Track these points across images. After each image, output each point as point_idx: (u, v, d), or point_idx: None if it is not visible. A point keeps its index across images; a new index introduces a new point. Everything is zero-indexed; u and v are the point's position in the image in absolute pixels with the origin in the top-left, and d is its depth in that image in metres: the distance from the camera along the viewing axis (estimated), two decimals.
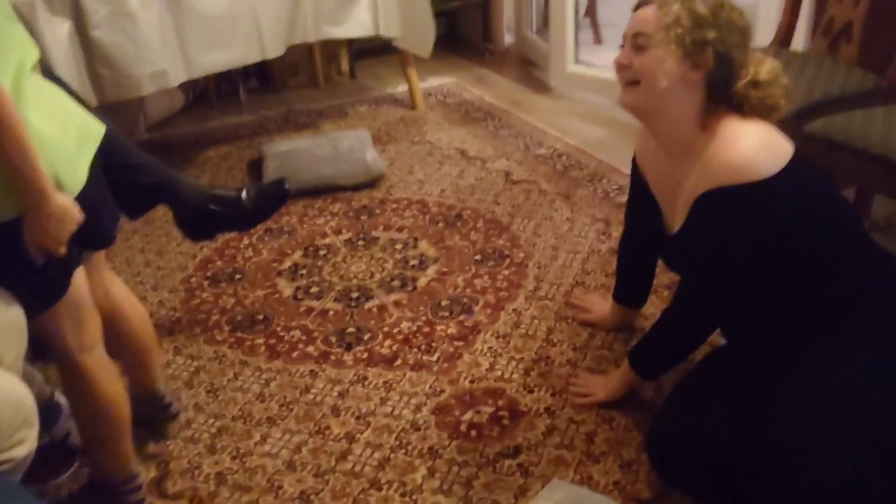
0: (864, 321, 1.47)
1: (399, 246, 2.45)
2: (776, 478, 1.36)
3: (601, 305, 2.05)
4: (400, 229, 2.54)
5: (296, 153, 2.88)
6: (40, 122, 1.29)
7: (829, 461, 1.30)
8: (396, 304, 2.17)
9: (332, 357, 1.99)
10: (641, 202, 1.74)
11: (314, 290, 2.26)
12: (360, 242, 2.49)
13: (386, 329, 2.07)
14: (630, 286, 1.97)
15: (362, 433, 1.75)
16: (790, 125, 1.95)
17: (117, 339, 1.63)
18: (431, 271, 2.31)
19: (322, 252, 2.45)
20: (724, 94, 1.49)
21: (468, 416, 1.78)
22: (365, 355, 1.99)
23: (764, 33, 2.69)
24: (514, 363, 1.93)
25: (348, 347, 2.02)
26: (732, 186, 1.43)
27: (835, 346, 1.46)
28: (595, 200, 2.64)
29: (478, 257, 2.36)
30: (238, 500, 1.62)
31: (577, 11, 3.51)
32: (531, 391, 1.84)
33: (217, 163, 3.11)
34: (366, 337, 2.05)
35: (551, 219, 2.55)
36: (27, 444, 1.27)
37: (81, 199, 1.35)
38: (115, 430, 1.54)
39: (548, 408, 1.79)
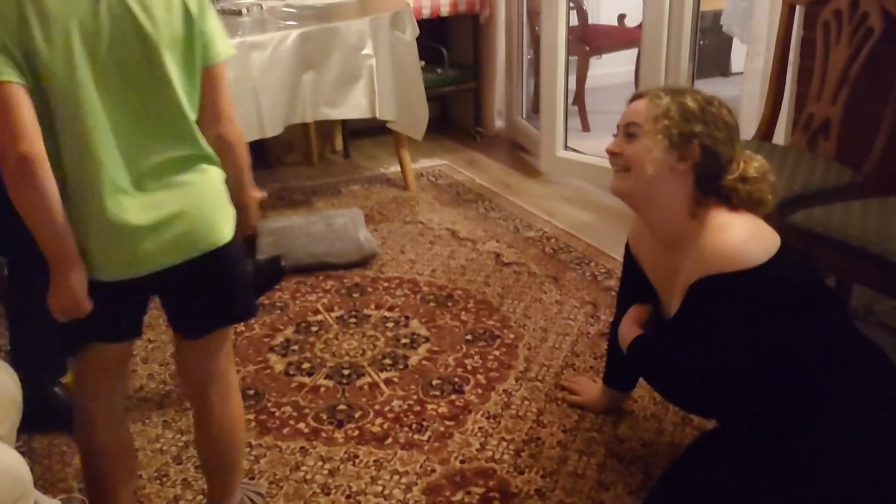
0: (850, 409, 1.51)
1: (391, 324, 2.48)
2: None
3: (591, 388, 2.08)
4: (391, 308, 2.58)
5: (290, 230, 2.93)
6: (125, 207, 1.33)
7: None
8: (388, 382, 2.19)
9: (323, 434, 2.00)
10: (634, 287, 1.79)
11: (306, 366, 2.28)
12: (352, 320, 2.51)
13: (377, 407, 2.09)
14: (620, 369, 2.00)
15: None
16: (773, 216, 2.02)
17: (198, 431, 1.65)
18: (423, 350, 2.34)
19: (314, 329, 2.47)
20: (712, 186, 1.56)
21: (459, 496, 1.79)
22: (356, 433, 2.00)
23: (746, 128, 2.79)
24: (504, 444, 1.94)
25: (339, 425, 2.03)
26: (723, 275, 1.48)
27: (820, 436, 1.49)
28: (583, 283, 2.69)
29: (468, 337, 2.39)
30: None
31: (566, 99, 3.63)
32: (521, 472, 1.85)
33: None
34: (357, 414, 2.06)
35: (541, 301, 2.59)
36: None
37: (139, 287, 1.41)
38: (102, 480, 1.55)
39: (538, 489, 1.80)
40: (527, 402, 2.09)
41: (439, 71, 4.10)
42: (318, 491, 1.81)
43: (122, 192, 1.33)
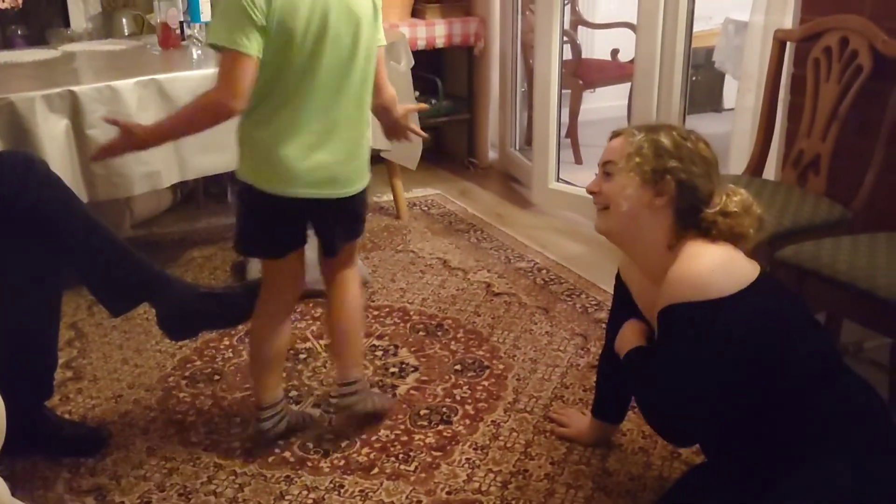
0: (836, 446, 1.50)
1: (379, 353, 2.47)
2: None
3: (580, 420, 2.07)
4: (381, 336, 2.57)
5: None
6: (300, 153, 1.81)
7: None
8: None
9: (309, 463, 1.98)
10: (624, 315, 1.78)
11: (293, 394, 2.26)
12: None
13: (364, 436, 2.07)
14: (609, 401, 1.99)
15: None
16: (763, 251, 2.03)
17: (329, 319, 2.09)
18: (411, 379, 2.32)
19: (302, 356, 2.46)
20: (692, 220, 1.57)
21: None
22: (342, 462, 1.98)
23: (737, 163, 2.82)
24: (491, 475, 1.93)
25: (325, 454, 2.01)
26: (685, 304, 1.49)
27: (809, 474, 1.48)
28: (574, 315, 2.69)
29: (458, 367, 2.38)
30: None
31: (559, 132, 3.65)
32: None
33: (201, 263, 3.14)
34: (343, 443, 2.04)
35: (531, 332, 2.58)
36: None
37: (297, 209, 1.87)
38: (257, 362, 2.00)
39: None
40: (515, 434, 2.08)
41: (434, 102, 4.12)
42: None
43: (303, 141, 1.79)
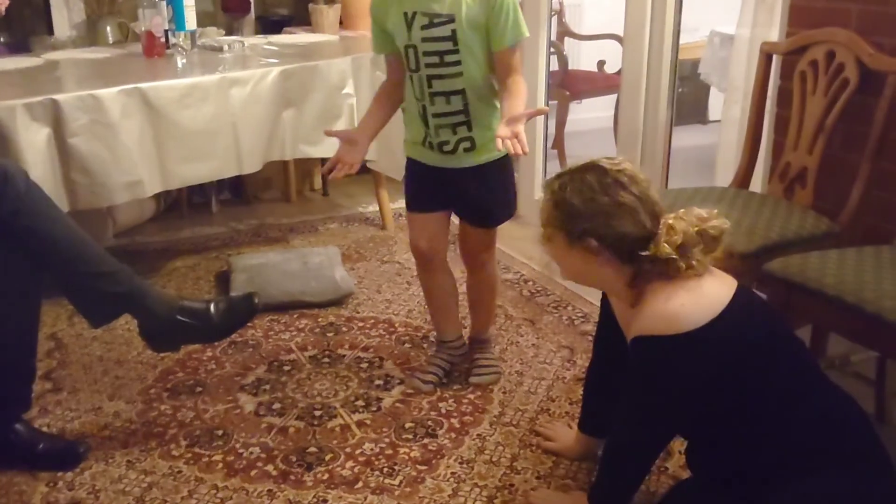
0: (823, 461, 1.49)
1: (364, 365, 2.44)
2: None
3: (566, 434, 2.05)
4: (366, 348, 2.54)
5: (265, 267, 2.89)
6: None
7: None
8: (360, 424, 2.15)
9: (292, 477, 1.95)
10: (610, 332, 1.77)
11: (276, 406, 2.23)
12: (326, 360, 2.47)
13: (348, 450, 2.04)
14: (596, 416, 1.97)
15: None
16: (750, 264, 2.03)
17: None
18: (396, 392, 2.30)
19: (286, 368, 2.43)
20: (640, 264, 1.54)
21: None
22: (326, 476, 1.95)
23: (724, 175, 2.82)
24: (477, 490, 1.90)
25: (309, 468, 1.98)
26: (657, 336, 1.49)
27: (795, 489, 1.47)
28: (560, 327, 2.68)
29: (443, 380, 2.36)
30: None
31: (545, 143, 3.65)
32: None
33: (184, 273, 3.11)
34: (327, 457, 2.02)
35: (517, 344, 2.57)
36: None
37: None
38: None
39: None
40: (501, 448, 2.06)
41: None
42: None
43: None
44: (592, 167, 1.57)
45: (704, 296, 1.52)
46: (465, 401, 2.25)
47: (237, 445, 2.06)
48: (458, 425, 2.14)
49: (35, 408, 2.16)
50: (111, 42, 3.69)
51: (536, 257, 3.27)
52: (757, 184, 2.63)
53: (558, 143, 4.34)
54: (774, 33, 2.62)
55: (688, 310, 1.50)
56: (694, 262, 1.52)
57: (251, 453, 2.03)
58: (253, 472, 1.96)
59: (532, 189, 3.64)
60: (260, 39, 3.62)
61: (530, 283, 3.02)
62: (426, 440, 2.08)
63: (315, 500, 1.87)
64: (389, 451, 2.04)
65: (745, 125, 2.62)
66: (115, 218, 3.38)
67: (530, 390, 2.31)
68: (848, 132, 2.33)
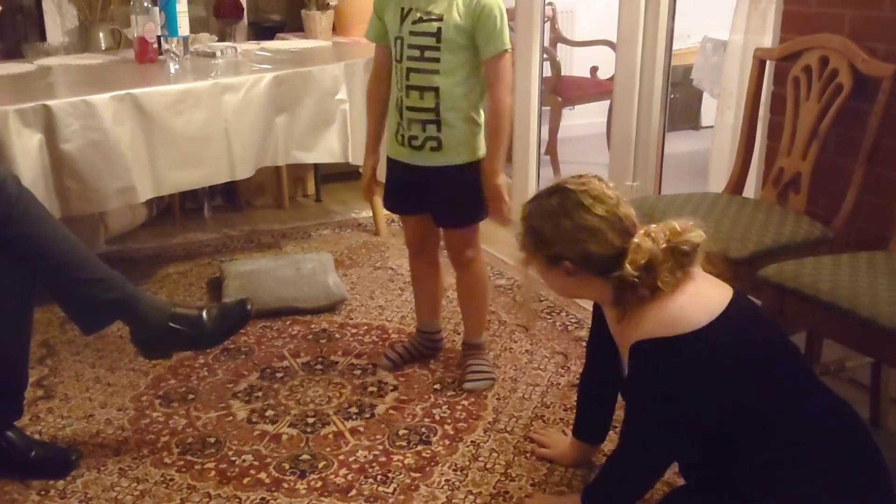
0: (819, 466, 1.49)
1: (358, 371, 2.43)
2: None
3: (560, 441, 2.04)
4: (359, 355, 2.53)
5: (257, 273, 2.88)
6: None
7: None
8: (353, 431, 2.14)
9: (285, 485, 1.94)
10: (603, 339, 1.77)
11: (269, 413, 2.22)
12: (318, 367, 2.46)
13: (342, 457, 2.03)
14: (590, 422, 1.97)
15: None
16: (744, 270, 2.02)
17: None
18: (390, 399, 2.29)
19: (279, 375, 2.42)
20: (619, 281, 1.54)
21: None
22: (319, 484, 1.94)
23: (717, 181, 2.82)
24: (471, 497, 1.89)
25: (302, 475, 1.97)
26: (658, 339, 1.49)
27: (790, 495, 1.47)
28: (554, 333, 2.67)
29: (437, 386, 2.35)
30: None
31: (538, 149, 3.65)
32: None
33: (176, 279, 3.10)
34: (320, 464, 2.00)
35: (511, 350, 2.56)
36: None
37: None
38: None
39: None
40: (495, 455, 2.05)
41: None
42: None
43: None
44: (557, 190, 1.59)
45: (702, 297, 1.53)
46: (459, 407, 2.25)
47: (230, 453, 2.05)
48: (451, 432, 2.13)
49: (27, 415, 2.14)
50: (104, 48, 3.69)
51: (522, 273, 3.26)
52: (750, 189, 2.63)
53: (551, 149, 4.34)
54: (768, 39, 2.63)
55: (687, 311, 1.50)
56: (660, 283, 1.51)
57: (244, 461, 2.02)
58: (246, 480, 1.95)
59: (525, 195, 3.63)
60: (253, 45, 3.61)
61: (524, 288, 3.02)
62: (420, 447, 2.07)
63: None
64: (383, 459, 2.03)
65: (738, 131, 2.62)
66: (107, 224, 3.37)
67: (524, 396, 2.31)
68: (841, 138, 2.33)
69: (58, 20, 3.76)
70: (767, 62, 2.52)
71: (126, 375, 2.42)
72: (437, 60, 2.09)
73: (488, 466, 2.01)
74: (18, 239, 1.81)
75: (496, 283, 3.06)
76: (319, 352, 2.55)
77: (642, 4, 3.01)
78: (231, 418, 2.20)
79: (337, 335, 2.66)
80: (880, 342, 1.74)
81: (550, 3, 4.61)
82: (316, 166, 3.95)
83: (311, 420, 2.18)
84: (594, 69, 4.70)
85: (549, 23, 4.63)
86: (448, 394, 2.31)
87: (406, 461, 2.02)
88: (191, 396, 2.30)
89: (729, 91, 2.86)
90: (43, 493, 1.91)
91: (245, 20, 4.10)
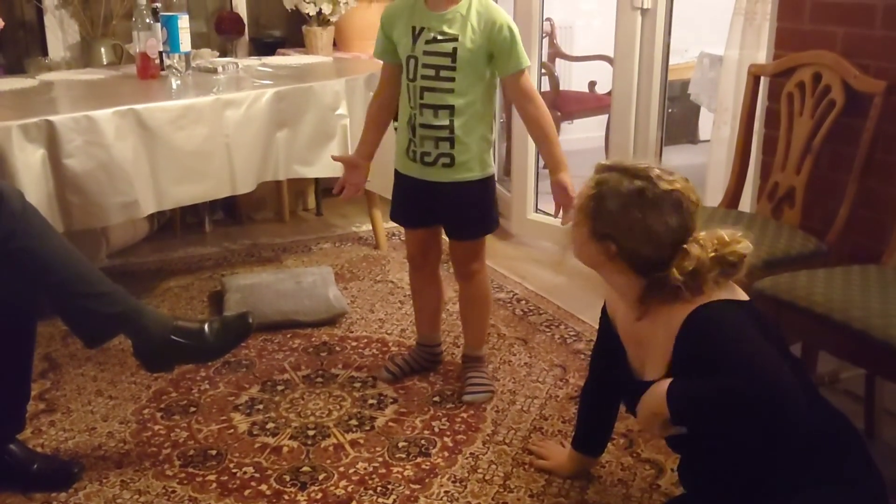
0: (816, 477, 1.50)
1: (358, 384, 2.45)
2: None
3: (559, 452, 2.06)
4: (359, 368, 2.55)
5: (258, 287, 2.90)
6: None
7: None
8: (353, 443, 2.15)
9: (286, 497, 1.95)
10: (609, 350, 1.78)
11: (270, 426, 2.24)
12: (319, 379, 2.48)
13: (342, 469, 2.05)
14: (590, 435, 1.99)
15: None
16: (740, 283, 2.04)
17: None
18: (390, 411, 2.31)
19: (280, 388, 2.43)
20: (655, 281, 1.54)
21: None
22: (319, 496, 1.95)
23: (713, 195, 2.85)
24: None
25: (302, 487, 1.98)
26: (711, 302, 1.50)
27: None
28: (553, 346, 2.69)
29: (436, 399, 2.37)
30: None
31: (537, 163, 3.67)
32: None
33: (178, 293, 3.12)
34: (321, 476, 2.02)
35: (510, 363, 2.58)
36: None
37: None
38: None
39: None
40: (494, 466, 2.07)
41: None
42: None
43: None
44: (644, 177, 1.53)
45: (736, 291, 1.57)
46: (459, 419, 2.26)
47: (231, 465, 2.07)
48: (451, 444, 2.15)
49: (29, 428, 2.16)
50: (105, 63, 3.72)
51: (529, 276, 3.29)
52: (746, 203, 2.66)
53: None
54: (762, 55, 2.66)
55: (732, 288, 1.54)
56: (704, 289, 1.50)
57: (245, 473, 2.04)
58: (247, 492, 1.97)
59: (524, 210, 3.66)
60: (254, 61, 3.64)
61: (522, 302, 3.04)
62: (419, 459, 2.09)
63: None
64: (383, 471, 2.04)
65: (734, 145, 2.65)
66: (108, 238, 3.39)
67: (523, 409, 2.32)
68: (835, 153, 2.37)
69: (60, 35, 3.79)
70: (762, 78, 2.56)
71: (128, 388, 2.44)
72: (452, 80, 2.12)
73: (487, 478, 2.02)
74: (21, 253, 1.83)
75: (496, 297, 3.08)
76: (320, 365, 2.57)
77: (639, 20, 3.05)
78: (232, 431, 2.22)
79: (337, 348, 2.68)
80: (873, 354, 1.77)
81: (549, 19, 4.65)
82: (317, 180, 3.97)
83: (311, 432, 2.20)
84: (592, 84, 4.74)
85: (547, 38, 4.67)
86: (447, 406, 2.33)
87: (406, 473, 2.03)
88: (192, 409, 2.32)
89: (725, 106, 2.89)
90: None
91: (246, 36, 4.13)
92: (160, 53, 3.16)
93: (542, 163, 4.00)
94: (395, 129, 2.35)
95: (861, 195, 2.27)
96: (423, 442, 2.16)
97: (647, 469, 2.04)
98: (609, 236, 1.55)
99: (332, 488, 1.98)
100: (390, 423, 2.25)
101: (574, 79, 5.08)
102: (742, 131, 2.58)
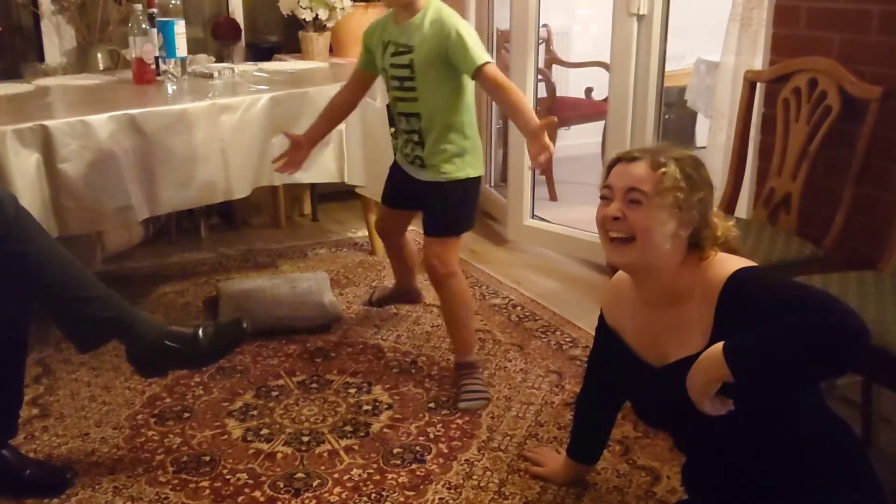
0: (818, 483, 1.50)
1: (353, 390, 2.44)
2: None
3: (554, 459, 2.05)
4: (354, 373, 2.54)
5: (253, 293, 2.89)
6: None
7: None
8: (348, 449, 2.14)
9: (280, 503, 1.94)
10: (606, 358, 1.78)
11: (264, 432, 2.23)
12: (314, 385, 2.47)
13: (336, 475, 2.04)
14: (586, 442, 1.98)
15: None
16: None
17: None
18: (384, 417, 2.30)
19: (274, 393, 2.42)
20: (697, 246, 1.58)
21: None
22: (313, 502, 1.94)
23: None
24: None
25: (296, 494, 1.97)
26: (746, 266, 1.51)
27: None
28: (549, 352, 2.68)
29: (431, 405, 2.36)
30: None
31: (533, 169, 3.67)
32: None
33: (173, 299, 3.11)
34: (315, 483, 2.01)
35: (505, 369, 2.57)
36: None
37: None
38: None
39: None
40: (489, 473, 2.06)
41: None
42: None
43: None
44: (684, 152, 1.61)
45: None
46: (454, 426, 2.25)
47: (224, 471, 2.06)
48: (446, 450, 2.14)
49: (22, 434, 2.15)
50: (101, 69, 3.71)
51: (524, 282, 3.28)
52: (742, 209, 2.66)
53: (546, 169, 4.36)
54: (758, 61, 2.66)
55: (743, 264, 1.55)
56: (735, 246, 1.60)
57: (238, 479, 2.03)
58: (240, 499, 1.96)
59: (521, 215, 3.66)
60: (250, 66, 3.64)
61: (518, 308, 3.03)
62: (414, 465, 2.08)
63: None
64: (377, 477, 2.03)
65: (730, 151, 2.65)
66: (103, 243, 3.38)
67: (518, 415, 2.32)
68: (831, 158, 2.36)
69: (56, 41, 3.79)
70: (758, 84, 2.56)
71: (122, 394, 2.43)
72: (413, 89, 2.28)
73: (482, 485, 2.01)
74: (15, 257, 1.82)
75: (491, 303, 3.07)
76: (315, 370, 2.56)
77: (635, 27, 3.05)
78: (226, 437, 2.21)
79: (332, 354, 2.67)
80: (870, 361, 1.76)
81: (545, 26, 4.64)
82: (312, 186, 3.97)
83: (305, 438, 2.19)
84: (589, 90, 4.74)
85: (544, 44, 4.67)
86: (442, 412, 2.32)
87: (400, 480, 2.02)
88: (186, 415, 2.31)
89: (721, 112, 2.89)
90: None
91: (243, 41, 4.13)
92: (156, 59, 3.15)
93: (538, 169, 4.01)
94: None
95: (857, 201, 2.27)
96: (417, 448, 2.15)
97: (642, 476, 2.03)
98: (700, 201, 1.56)
99: (326, 495, 1.97)
100: (385, 430, 2.24)
101: (571, 85, 5.08)
102: (738, 137, 2.58)
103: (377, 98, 3.33)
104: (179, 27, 3.14)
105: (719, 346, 1.42)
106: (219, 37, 4.03)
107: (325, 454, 2.12)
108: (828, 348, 1.34)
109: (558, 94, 4.67)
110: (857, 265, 2.17)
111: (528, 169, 3.57)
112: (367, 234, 3.60)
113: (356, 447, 2.15)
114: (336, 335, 2.80)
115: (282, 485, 2.01)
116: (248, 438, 2.19)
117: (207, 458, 2.11)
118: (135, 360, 1.99)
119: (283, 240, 3.78)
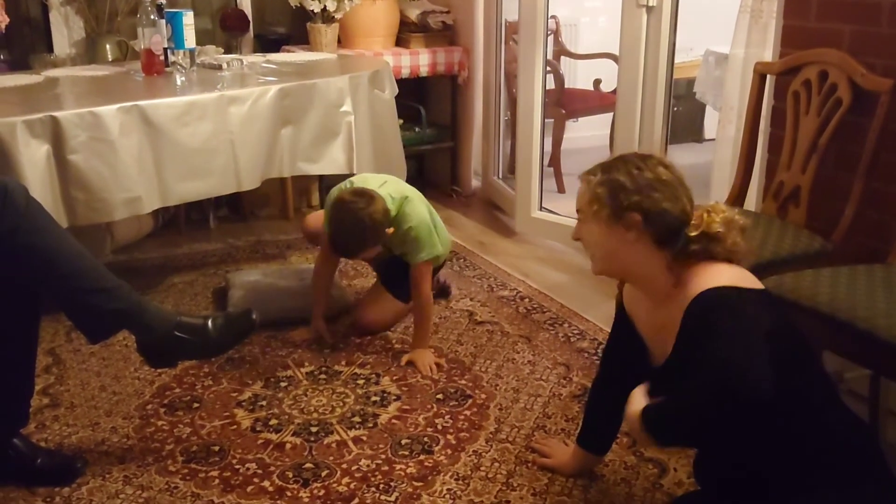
0: (832, 477, 1.49)
1: (361, 381, 2.45)
2: None
3: (562, 451, 2.06)
4: (363, 365, 2.55)
5: (262, 284, 2.91)
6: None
7: None
8: (356, 440, 2.15)
9: (288, 493, 1.95)
10: (622, 345, 1.78)
11: (273, 422, 2.24)
12: (322, 376, 2.48)
13: (344, 466, 2.05)
14: (597, 431, 1.98)
15: None
16: None
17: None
18: (393, 408, 2.31)
19: (283, 384, 2.43)
20: (677, 243, 1.57)
21: None
22: (322, 492, 1.95)
23: (719, 193, 2.84)
24: None
25: (305, 484, 1.98)
26: (725, 286, 1.50)
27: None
28: (556, 344, 2.69)
29: (440, 396, 2.37)
30: None
31: (542, 161, 3.67)
32: None
33: (182, 289, 3.12)
34: (323, 473, 2.02)
35: (513, 361, 2.58)
36: None
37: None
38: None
39: None
40: (497, 464, 2.06)
41: (417, 129, 4.14)
42: None
43: None
44: (629, 155, 1.63)
45: (749, 276, 1.56)
46: (462, 417, 2.26)
47: (234, 461, 2.07)
48: (454, 442, 2.15)
49: (33, 423, 2.16)
50: (110, 60, 3.72)
51: (532, 274, 3.28)
52: (751, 202, 2.65)
53: (554, 161, 4.36)
54: (768, 53, 2.65)
55: (748, 276, 1.54)
56: (731, 247, 1.57)
57: (247, 469, 2.04)
58: (249, 488, 1.97)
59: (529, 207, 3.66)
60: (258, 58, 3.64)
61: (526, 300, 3.04)
62: (422, 456, 2.09)
63: None
64: (385, 468, 2.04)
65: (739, 144, 2.64)
66: (113, 234, 3.40)
67: (526, 407, 2.32)
68: (841, 152, 2.36)
69: (65, 32, 3.80)
70: (768, 76, 2.55)
71: (131, 384, 2.44)
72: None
73: (490, 476, 2.02)
74: (26, 248, 1.83)
75: (499, 295, 3.08)
76: (323, 361, 2.57)
77: (644, 18, 3.04)
78: (235, 427, 2.22)
79: (341, 345, 2.68)
80: (878, 354, 1.76)
81: (554, 17, 4.64)
82: (321, 177, 3.97)
83: (314, 429, 2.20)
84: (597, 82, 4.73)
85: (552, 36, 4.66)
86: (451, 403, 2.33)
87: (408, 470, 2.03)
88: (195, 405, 2.32)
89: (730, 104, 2.88)
90: (48, 500, 1.93)
91: (251, 33, 4.13)
92: (165, 50, 3.16)
93: (546, 160, 4.01)
94: None
95: (867, 194, 2.26)
96: (425, 439, 2.16)
97: (650, 468, 2.04)
98: (632, 205, 1.57)
99: (334, 485, 1.98)
100: (393, 420, 2.24)
101: (579, 77, 5.07)
102: (747, 130, 2.57)
103: (385, 90, 3.33)
104: (188, 18, 3.14)
105: (639, 407, 1.54)
106: (227, 28, 4.04)
107: (334, 444, 2.13)
108: (715, 410, 1.43)
109: (566, 85, 4.67)
110: (866, 259, 2.16)
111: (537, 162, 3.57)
112: None
113: (364, 438, 2.16)
114: (344, 326, 2.81)
115: (290, 475, 2.02)
116: (257, 428, 2.21)
117: (217, 448, 2.12)
118: (144, 350, 2.00)
119: (291, 231, 3.78)
